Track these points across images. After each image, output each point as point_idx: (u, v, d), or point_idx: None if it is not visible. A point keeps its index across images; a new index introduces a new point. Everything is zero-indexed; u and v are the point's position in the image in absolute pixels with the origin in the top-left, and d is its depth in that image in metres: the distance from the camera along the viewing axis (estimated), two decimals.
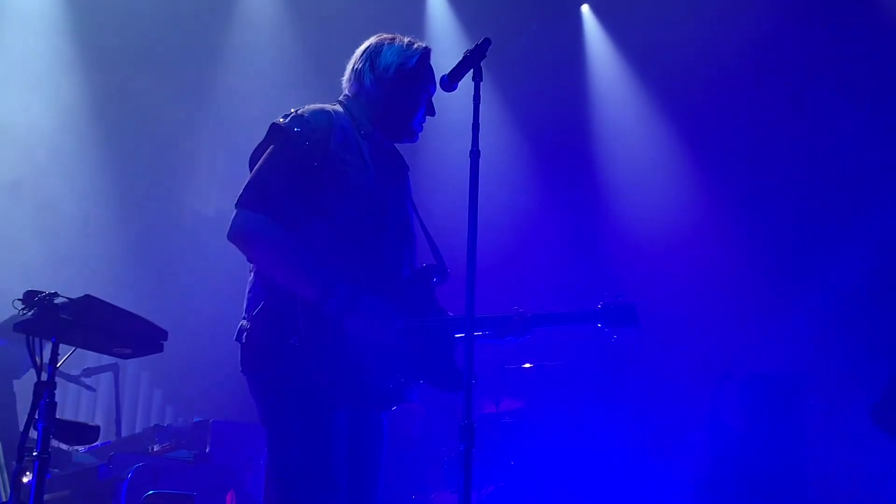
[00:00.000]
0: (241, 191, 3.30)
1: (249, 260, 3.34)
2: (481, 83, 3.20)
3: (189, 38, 8.12)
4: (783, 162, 7.38)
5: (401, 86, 3.50)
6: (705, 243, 7.49)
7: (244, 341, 3.29)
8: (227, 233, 3.27)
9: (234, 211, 3.29)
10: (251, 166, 3.37)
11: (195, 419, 6.06)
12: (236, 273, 3.77)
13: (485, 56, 3.21)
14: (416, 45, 3.56)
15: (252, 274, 3.37)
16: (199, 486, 5.04)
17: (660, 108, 7.98)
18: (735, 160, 7.63)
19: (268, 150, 3.34)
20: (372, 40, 3.58)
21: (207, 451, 5.56)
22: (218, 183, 8.58)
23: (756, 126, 7.54)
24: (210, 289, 7.75)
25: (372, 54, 3.53)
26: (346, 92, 3.57)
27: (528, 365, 6.41)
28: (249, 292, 3.34)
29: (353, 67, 3.56)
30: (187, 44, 8.13)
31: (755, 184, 7.52)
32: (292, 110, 3.40)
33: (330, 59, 4.18)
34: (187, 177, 8.68)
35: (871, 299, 6.79)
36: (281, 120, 3.37)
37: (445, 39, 7.97)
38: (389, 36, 3.59)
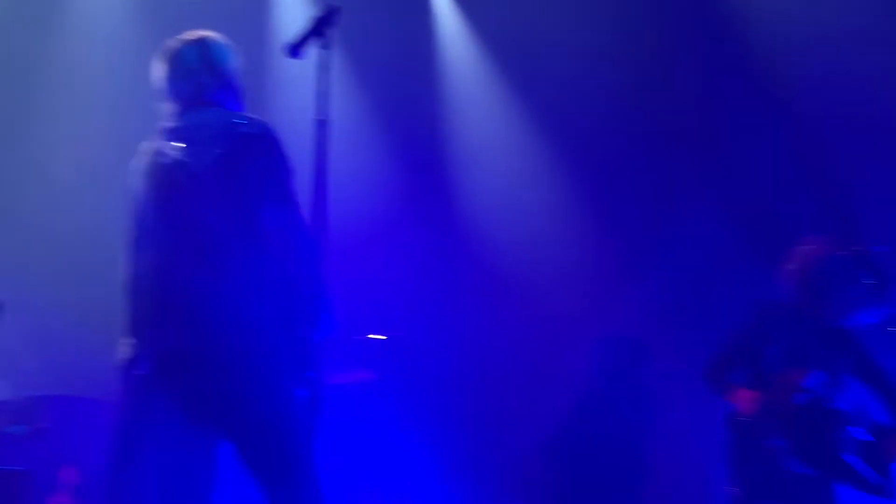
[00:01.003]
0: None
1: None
2: (329, 51, 3.17)
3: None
4: (636, 141, 7.57)
5: None
6: (558, 215, 7.62)
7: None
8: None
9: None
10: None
11: (32, 393, 5.88)
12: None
13: (332, 24, 3.17)
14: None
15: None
16: (35, 461, 4.90)
17: (509, 84, 8.05)
18: (586, 140, 7.77)
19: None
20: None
21: (44, 426, 5.39)
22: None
23: (608, 107, 7.69)
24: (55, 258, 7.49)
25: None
26: None
27: (378, 336, 6.43)
28: None
29: None
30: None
31: (606, 161, 7.68)
32: None
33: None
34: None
35: (718, 267, 7.09)
36: None
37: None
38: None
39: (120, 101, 7.34)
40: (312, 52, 3.20)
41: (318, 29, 3.16)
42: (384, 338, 6.24)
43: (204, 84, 3.45)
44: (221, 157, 3.23)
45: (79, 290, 7.23)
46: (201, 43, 3.52)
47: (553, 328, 7.16)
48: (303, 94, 3.74)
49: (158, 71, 3.50)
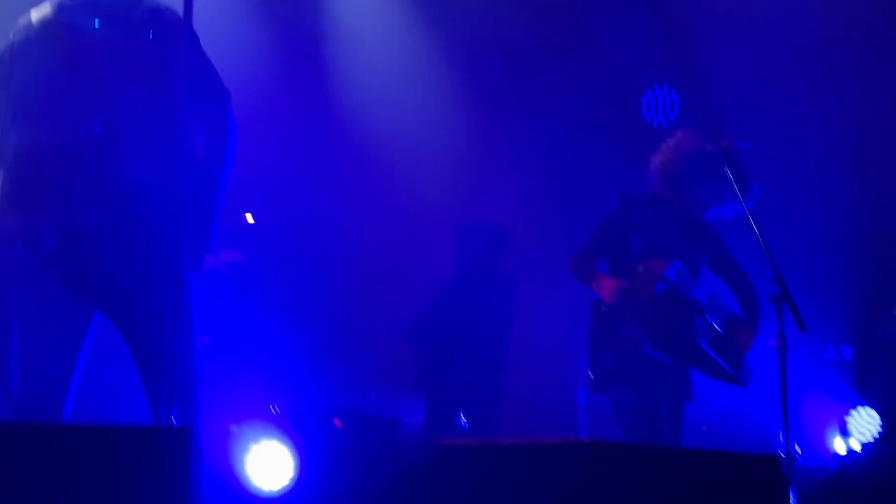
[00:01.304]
0: None
1: None
2: None
3: None
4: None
5: None
6: (425, 97, 7.53)
7: None
8: None
9: None
10: None
11: None
12: None
13: None
14: None
15: None
16: None
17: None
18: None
19: None
20: None
21: None
22: None
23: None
24: None
25: None
26: None
27: (249, 218, 6.32)
28: None
29: None
30: None
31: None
32: None
33: None
34: None
35: (585, 157, 7.19)
36: None
37: None
38: None
39: None
40: None
41: None
42: (253, 221, 6.14)
43: None
44: (152, 41, 3.18)
45: None
46: None
47: (419, 215, 7.16)
48: None
49: None
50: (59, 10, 3.26)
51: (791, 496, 3.83)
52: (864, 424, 6.71)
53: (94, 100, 3.14)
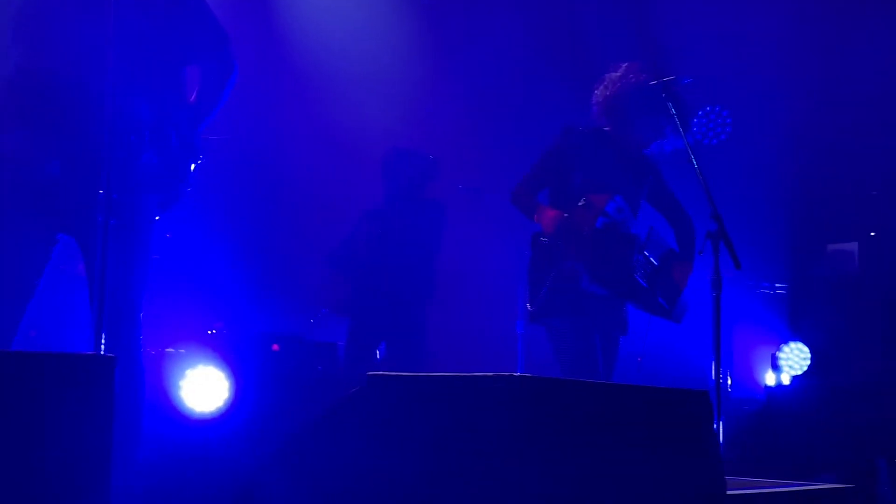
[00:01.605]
0: None
1: None
2: None
3: None
4: None
5: None
6: None
7: None
8: None
9: None
10: None
11: None
12: None
13: None
14: None
15: None
16: None
17: None
18: None
19: None
20: None
21: None
22: None
23: None
24: None
25: None
26: None
27: None
28: None
29: None
30: None
31: None
32: None
33: None
34: None
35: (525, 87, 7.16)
36: None
37: None
38: None
39: None
40: None
41: None
42: None
43: None
44: None
45: None
46: None
47: (351, 142, 7.11)
48: None
49: None
50: None
51: (718, 430, 3.91)
52: (794, 358, 6.86)
53: (93, 27, 3.14)
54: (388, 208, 6.12)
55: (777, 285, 7.33)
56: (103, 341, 2.76)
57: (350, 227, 6.26)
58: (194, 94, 3.53)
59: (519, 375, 2.25)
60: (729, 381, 6.88)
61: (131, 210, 3.18)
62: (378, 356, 6.11)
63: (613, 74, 4.60)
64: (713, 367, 4.05)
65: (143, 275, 3.31)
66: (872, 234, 7.10)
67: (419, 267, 6.03)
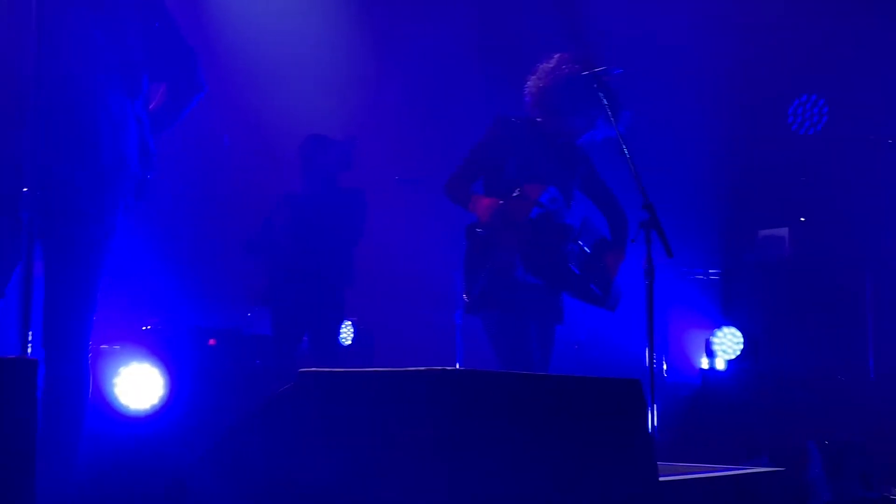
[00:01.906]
0: None
1: None
2: None
3: None
4: None
5: None
6: None
7: None
8: None
9: None
10: None
11: None
12: None
13: None
14: None
15: None
16: None
17: None
18: None
19: None
20: None
21: None
22: None
23: None
24: None
25: None
26: None
27: None
28: None
29: None
30: None
31: None
32: None
33: None
34: None
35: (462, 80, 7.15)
36: None
37: None
38: None
39: None
40: None
41: None
42: None
43: None
44: None
45: None
46: None
47: (274, 129, 7.08)
48: None
49: None
50: None
51: (653, 415, 3.97)
52: (727, 343, 6.97)
53: (64, 32, 3.15)
54: (305, 195, 6.10)
55: (710, 271, 7.44)
56: (30, 341, 2.72)
57: (267, 213, 6.24)
58: (155, 104, 3.53)
59: (444, 369, 2.26)
60: (664, 367, 6.98)
61: (91, 211, 3.21)
62: (301, 341, 6.09)
63: (546, 65, 4.61)
64: (647, 353, 4.10)
65: (95, 276, 3.29)
66: (802, 219, 7.24)
67: (336, 253, 6.01)
